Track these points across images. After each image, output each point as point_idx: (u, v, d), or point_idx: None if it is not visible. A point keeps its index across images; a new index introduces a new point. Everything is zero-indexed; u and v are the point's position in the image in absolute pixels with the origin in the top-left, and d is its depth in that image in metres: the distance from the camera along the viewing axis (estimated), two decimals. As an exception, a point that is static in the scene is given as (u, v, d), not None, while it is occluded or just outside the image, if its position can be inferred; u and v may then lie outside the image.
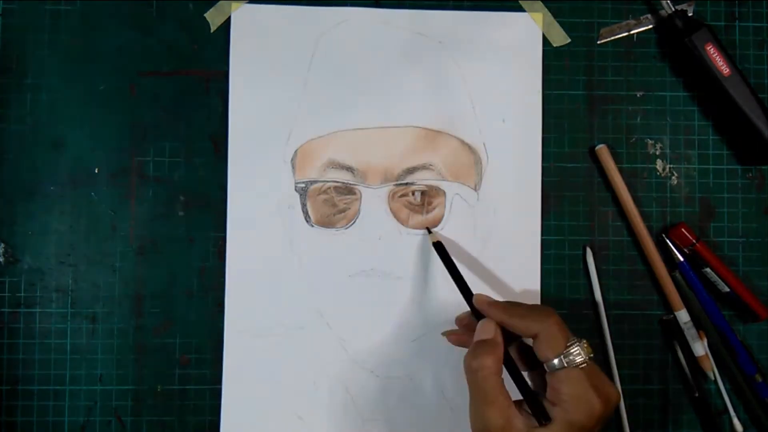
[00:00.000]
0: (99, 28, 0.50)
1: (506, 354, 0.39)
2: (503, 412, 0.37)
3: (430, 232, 0.49)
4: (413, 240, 0.49)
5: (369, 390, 0.49)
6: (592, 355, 0.38)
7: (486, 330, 0.40)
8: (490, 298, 0.42)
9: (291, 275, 0.49)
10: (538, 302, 0.50)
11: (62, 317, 0.49)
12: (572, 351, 0.37)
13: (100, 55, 0.50)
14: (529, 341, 0.39)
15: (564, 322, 0.39)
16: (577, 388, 0.37)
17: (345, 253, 0.49)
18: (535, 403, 0.38)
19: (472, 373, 0.38)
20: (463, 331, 0.45)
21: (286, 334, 0.49)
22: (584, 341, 0.38)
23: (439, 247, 0.46)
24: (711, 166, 0.51)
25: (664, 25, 0.51)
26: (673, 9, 0.50)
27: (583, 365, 0.37)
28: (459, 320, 0.45)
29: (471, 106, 0.50)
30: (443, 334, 0.46)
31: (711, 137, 0.51)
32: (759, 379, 0.49)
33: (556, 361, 0.37)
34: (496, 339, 0.40)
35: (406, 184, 0.49)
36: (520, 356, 0.41)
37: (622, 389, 0.50)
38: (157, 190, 0.49)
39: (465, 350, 0.40)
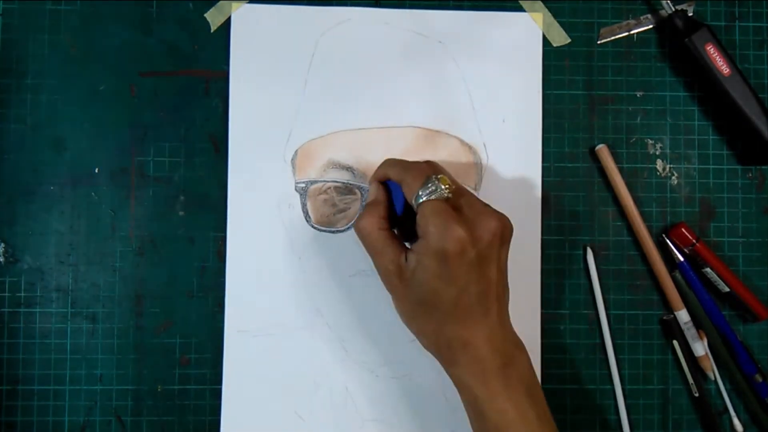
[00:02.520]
0: (99, 28, 0.50)
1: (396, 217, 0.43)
2: (394, 256, 0.40)
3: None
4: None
5: (369, 390, 0.49)
6: (451, 186, 0.40)
7: (371, 192, 0.44)
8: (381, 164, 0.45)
9: (291, 275, 0.49)
10: (538, 303, 0.50)
11: (62, 317, 0.49)
12: (430, 185, 0.40)
13: (100, 55, 0.50)
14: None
15: (437, 165, 0.43)
16: (436, 219, 0.38)
17: (345, 253, 0.49)
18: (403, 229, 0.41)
19: (359, 234, 0.42)
20: None
21: (286, 334, 0.49)
22: (442, 176, 0.40)
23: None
24: (711, 166, 0.51)
25: (664, 25, 0.51)
26: (673, 9, 0.50)
27: (443, 197, 0.39)
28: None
29: (471, 106, 0.50)
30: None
31: (711, 137, 0.51)
32: (759, 379, 0.49)
33: (420, 196, 0.39)
34: (377, 198, 0.43)
35: (406, 184, 0.49)
36: None
37: (622, 389, 0.50)
38: (157, 190, 0.49)
39: None
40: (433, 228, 0.38)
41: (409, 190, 0.40)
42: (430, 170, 0.41)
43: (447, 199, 0.39)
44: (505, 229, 0.40)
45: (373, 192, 0.44)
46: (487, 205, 0.41)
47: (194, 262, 0.49)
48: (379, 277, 0.42)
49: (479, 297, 0.39)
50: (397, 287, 0.41)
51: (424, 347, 0.43)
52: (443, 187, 0.39)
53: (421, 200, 0.39)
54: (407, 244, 0.42)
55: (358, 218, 0.43)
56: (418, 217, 0.40)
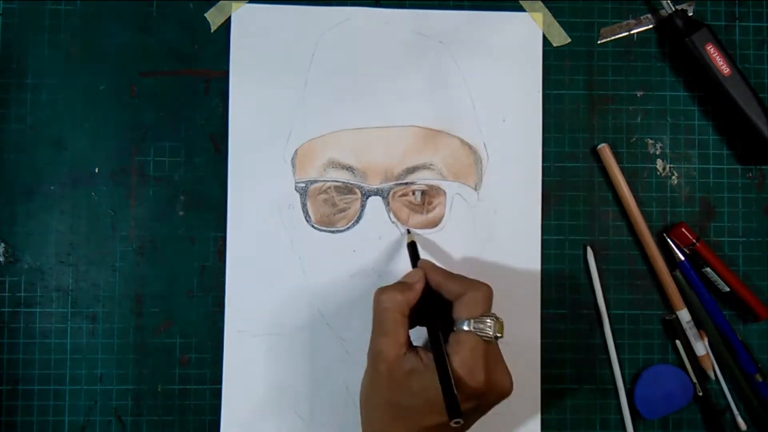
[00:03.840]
0: (99, 28, 0.50)
1: (435, 332, 0.39)
2: (396, 346, 0.39)
3: (408, 231, 0.49)
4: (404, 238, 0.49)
5: (369, 390, 0.49)
6: (500, 335, 0.39)
7: (412, 275, 0.42)
8: (434, 264, 0.43)
9: (291, 275, 0.49)
10: (538, 302, 0.50)
11: (62, 317, 0.49)
12: (485, 320, 0.38)
13: (100, 55, 0.50)
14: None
15: (492, 299, 0.40)
16: (470, 355, 0.37)
17: (345, 253, 0.49)
18: (450, 396, 0.36)
19: (377, 304, 0.40)
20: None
21: (286, 334, 0.49)
22: (501, 320, 0.39)
23: (412, 248, 0.47)
24: (711, 166, 0.51)
25: (664, 25, 0.51)
26: (673, 9, 0.50)
27: (487, 338, 0.38)
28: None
29: (471, 106, 0.50)
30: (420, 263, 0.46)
31: (711, 137, 0.51)
32: (759, 378, 0.49)
33: (465, 323, 0.38)
34: (415, 286, 0.41)
35: (407, 183, 0.49)
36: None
37: (624, 389, 0.50)
38: (157, 190, 0.49)
39: None
40: (459, 363, 0.37)
41: (462, 308, 0.39)
42: (489, 303, 0.39)
43: (487, 342, 0.38)
44: (507, 394, 0.40)
45: (414, 277, 0.42)
46: (504, 363, 0.40)
47: (194, 262, 0.49)
48: (370, 345, 0.40)
49: None
50: (381, 375, 0.39)
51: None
52: (493, 330, 0.38)
53: (464, 327, 0.38)
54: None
55: (385, 288, 0.41)
56: (452, 339, 0.38)
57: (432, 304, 0.41)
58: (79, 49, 0.49)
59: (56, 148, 0.49)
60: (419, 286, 0.41)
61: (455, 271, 0.47)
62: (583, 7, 0.51)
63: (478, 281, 0.40)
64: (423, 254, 0.49)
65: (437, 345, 0.38)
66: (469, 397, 0.37)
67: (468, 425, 0.39)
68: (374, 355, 0.40)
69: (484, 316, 0.38)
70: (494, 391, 0.38)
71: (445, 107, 0.50)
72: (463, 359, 0.37)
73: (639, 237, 0.50)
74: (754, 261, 0.51)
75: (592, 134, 0.51)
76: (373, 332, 0.40)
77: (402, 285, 0.41)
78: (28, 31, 0.49)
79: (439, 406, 0.36)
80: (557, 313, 0.50)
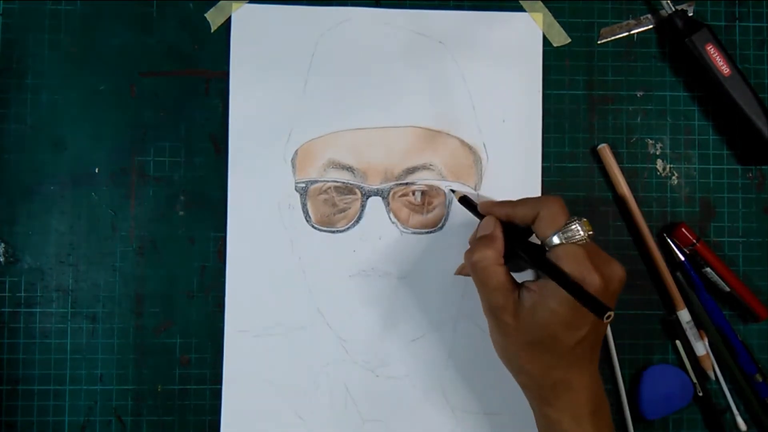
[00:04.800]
0: (99, 28, 0.50)
1: (533, 252, 0.40)
2: (508, 293, 0.39)
3: (453, 192, 0.49)
4: (413, 240, 0.49)
5: (369, 390, 0.49)
6: (591, 232, 0.39)
7: (485, 226, 0.42)
8: (492, 200, 0.44)
9: (291, 275, 0.49)
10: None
11: (62, 317, 0.49)
12: (571, 227, 0.39)
13: (100, 55, 0.50)
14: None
15: (565, 207, 0.40)
16: (573, 264, 0.38)
17: (345, 253, 0.49)
18: (586, 297, 0.37)
19: (472, 265, 0.41)
20: None
21: (286, 334, 0.49)
22: (584, 219, 0.39)
23: (465, 200, 0.47)
24: (711, 166, 0.51)
25: (664, 25, 0.51)
26: (673, 9, 0.50)
27: (581, 242, 0.39)
28: (470, 238, 0.46)
29: (471, 106, 0.50)
30: (456, 273, 0.47)
31: (711, 137, 0.51)
32: (759, 378, 0.49)
33: (555, 237, 0.39)
34: (495, 233, 0.41)
35: (407, 184, 0.49)
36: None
37: (624, 389, 0.50)
38: (157, 190, 0.49)
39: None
40: (569, 275, 0.38)
41: (545, 226, 0.39)
42: (565, 210, 0.40)
43: (583, 244, 0.39)
44: (624, 278, 0.40)
45: (490, 225, 0.42)
46: (605, 253, 0.40)
47: (194, 262, 0.49)
48: (480, 302, 0.41)
49: (592, 345, 0.40)
50: (508, 325, 0.40)
51: (521, 384, 0.42)
52: (582, 231, 0.39)
53: (556, 241, 0.39)
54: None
55: (473, 248, 0.41)
56: (550, 257, 0.39)
57: (514, 236, 0.42)
58: (79, 49, 0.50)
59: (56, 148, 0.49)
60: (499, 232, 0.42)
61: (456, 271, 0.47)
62: (583, 7, 0.51)
63: (545, 197, 0.41)
64: (423, 254, 0.49)
65: (544, 261, 0.39)
66: (600, 294, 0.38)
67: (604, 325, 0.40)
68: (493, 311, 0.40)
69: (567, 223, 0.39)
70: (612, 282, 0.39)
71: (445, 107, 0.50)
72: (570, 271, 0.38)
73: (639, 237, 0.50)
74: (754, 261, 0.51)
75: (592, 134, 0.51)
76: (480, 293, 0.41)
77: (485, 239, 0.41)
78: (28, 31, 0.49)
79: (577, 320, 0.38)
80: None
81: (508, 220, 0.42)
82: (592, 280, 0.37)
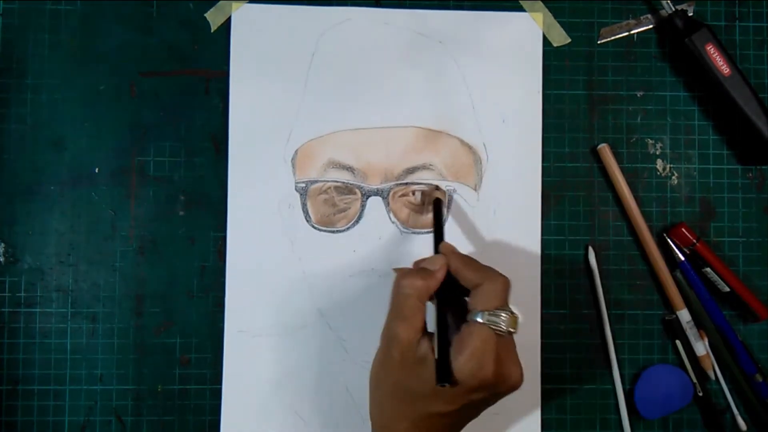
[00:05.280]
0: (99, 28, 0.50)
1: (441, 307, 0.39)
2: (412, 331, 0.38)
3: (438, 188, 0.48)
4: (413, 240, 0.49)
5: (369, 390, 0.49)
6: (513, 330, 0.38)
7: (432, 262, 0.41)
8: (456, 249, 0.42)
9: (291, 275, 0.49)
10: (538, 302, 0.50)
11: (62, 317, 0.49)
12: (500, 314, 0.38)
13: (100, 55, 0.50)
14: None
15: (509, 292, 0.39)
16: (480, 346, 0.37)
17: (345, 253, 0.49)
18: (442, 361, 0.37)
19: (397, 288, 0.39)
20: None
21: (286, 334, 0.49)
22: (515, 315, 0.38)
23: (437, 206, 0.46)
24: (711, 166, 0.51)
25: (664, 25, 0.51)
26: (673, 9, 0.50)
27: (500, 332, 0.37)
28: (415, 263, 0.45)
29: (471, 106, 0.50)
30: (394, 269, 0.45)
31: (711, 137, 0.51)
32: (759, 378, 0.49)
33: (479, 316, 0.37)
34: (436, 273, 0.40)
35: (407, 183, 0.49)
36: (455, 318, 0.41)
37: (623, 389, 0.50)
38: (157, 190, 0.49)
39: None
40: (469, 354, 0.37)
41: (477, 299, 0.38)
42: (505, 295, 0.39)
43: (499, 335, 0.38)
44: (518, 387, 0.39)
45: (437, 263, 0.40)
46: (517, 356, 0.40)
47: (194, 262, 0.49)
48: (385, 325, 0.40)
49: (450, 428, 0.39)
50: (393, 359, 0.38)
51: (371, 417, 0.41)
52: (508, 326, 0.38)
53: (478, 319, 0.37)
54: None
55: (406, 273, 0.40)
56: (464, 329, 0.38)
57: (449, 289, 0.41)
58: (79, 49, 0.49)
59: (56, 148, 0.49)
60: (440, 275, 0.40)
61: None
62: (583, 7, 0.51)
63: (496, 272, 0.40)
64: (423, 254, 0.49)
65: (441, 320, 0.38)
66: (477, 389, 0.37)
67: (475, 415, 0.40)
68: (388, 338, 0.39)
69: (500, 309, 0.38)
70: (504, 383, 0.38)
71: (445, 107, 0.50)
72: (473, 351, 0.37)
73: (639, 237, 0.50)
74: (754, 261, 0.51)
75: (592, 134, 0.51)
76: (389, 314, 0.40)
77: (423, 271, 0.40)
78: (28, 31, 0.49)
79: (452, 395, 0.37)
80: (557, 313, 0.50)
81: (454, 274, 0.41)
82: (486, 369, 0.36)
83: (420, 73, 0.50)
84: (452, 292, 0.40)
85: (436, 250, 0.43)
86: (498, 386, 0.38)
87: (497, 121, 0.50)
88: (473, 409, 0.39)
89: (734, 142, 0.51)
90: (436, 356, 0.37)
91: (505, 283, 0.39)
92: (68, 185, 0.49)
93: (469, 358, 0.37)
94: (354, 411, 0.49)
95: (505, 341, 0.38)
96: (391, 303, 0.40)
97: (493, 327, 0.37)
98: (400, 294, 0.39)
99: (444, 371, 0.36)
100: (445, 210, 0.46)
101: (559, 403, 0.50)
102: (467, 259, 0.41)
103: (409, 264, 0.49)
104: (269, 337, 0.49)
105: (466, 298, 0.40)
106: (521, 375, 0.39)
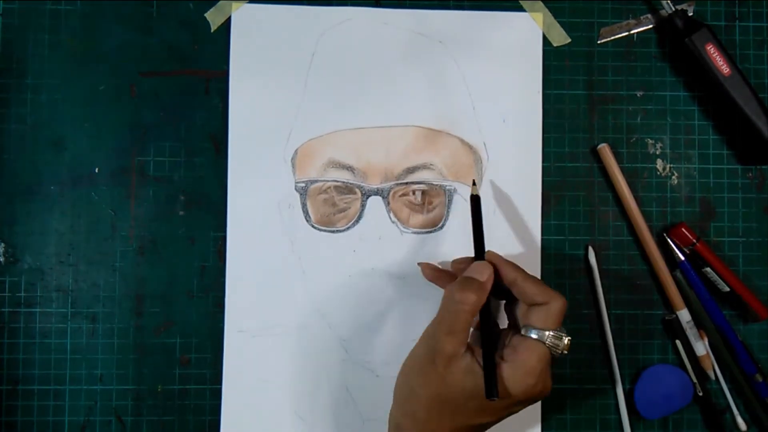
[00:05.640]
0: (99, 28, 0.50)
1: (487, 320, 0.40)
2: (457, 346, 0.39)
3: (474, 183, 0.46)
4: (414, 240, 0.49)
5: (369, 390, 0.49)
6: (566, 352, 0.39)
7: (481, 271, 0.41)
8: (503, 258, 0.42)
9: (291, 275, 0.49)
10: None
11: (62, 317, 0.49)
12: (562, 337, 0.39)
13: (100, 55, 0.50)
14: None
15: (564, 314, 0.40)
16: (537, 366, 0.38)
17: (345, 253, 0.49)
18: (490, 375, 0.37)
19: (452, 302, 0.39)
20: (447, 272, 0.46)
21: (286, 334, 0.49)
22: (570, 338, 0.39)
23: (475, 202, 0.44)
24: (711, 166, 0.51)
25: (664, 25, 0.51)
26: (673, 9, 0.50)
27: (555, 352, 0.39)
28: (456, 262, 0.45)
29: (471, 106, 0.50)
30: (419, 264, 0.45)
31: (711, 137, 0.51)
32: (759, 378, 0.49)
33: (539, 333, 0.38)
34: (486, 284, 0.40)
35: (407, 183, 0.49)
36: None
37: (623, 389, 0.50)
38: (157, 190, 0.49)
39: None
40: (527, 372, 0.37)
41: (544, 318, 0.39)
42: (563, 317, 0.39)
43: (550, 353, 0.39)
44: (547, 395, 0.41)
45: (485, 273, 0.40)
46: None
47: (194, 262, 0.49)
48: (431, 327, 0.41)
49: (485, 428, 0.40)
50: (437, 371, 0.39)
51: (399, 423, 0.41)
52: (562, 347, 0.39)
53: (535, 336, 0.38)
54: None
55: (460, 286, 0.40)
56: (522, 345, 0.38)
57: (495, 294, 0.41)
58: (79, 49, 0.49)
59: (56, 148, 0.49)
60: (489, 285, 0.40)
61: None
62: (583, 7, 0.51)
63: (557, 293, 0.40)
64: (423, 254, 0.49)
65: (487, 333, 0.39)
66: (523, 402, 0.38)
67: (503, 418, 0.41)
68: (435, 350, 0.39)
69: (560, 330, 0.39)
70: (540, 395, 0.39)
71: (445, 107, 0.50)
72: (531, 369, 0.38)
73: (639, 237, 0.50)
74: (754, 261, 0.51)
75: (592, 134, 0.51)
76: (438, 326, 0.40)
77: (475, 284, 0.40)
78: (28, 31, 0.49)
79: (490, 408, 0.38)
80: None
81: (508, 285, 0.41)
82: (538, 388, 0.38)
83: (420, 73, 0.50)
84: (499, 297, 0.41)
85: (478, 255, 0.43)
86: (535, 398, 0.39)
87: (497, 121, 0.50)
88: (511, 411, 0.40)
89: (734, 142, 0.51)
90: (483, 369, 0.38)
91: (565, 305, 0.40)
92: (68, 185, 0.49)
93: (525, 376, 0.37)
94: (354, 411, 0.49)
95: (552, 359, 0.39)
96: (442, 315, 0.40)
97: (553, 349, 0.38)
98: (453, 309, 0.39)
99: (493, 385, 0.37)
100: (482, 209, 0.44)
101: (559, 403, 0.50)
102: (523, 272, 0.41)
103: (408, 265, 0.49)
104: (269, 337, 0.49)
105: (509, 306, 0.41)
106: (551, 385, 0.40)
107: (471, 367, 0.38)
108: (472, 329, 0.42)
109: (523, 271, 0.41)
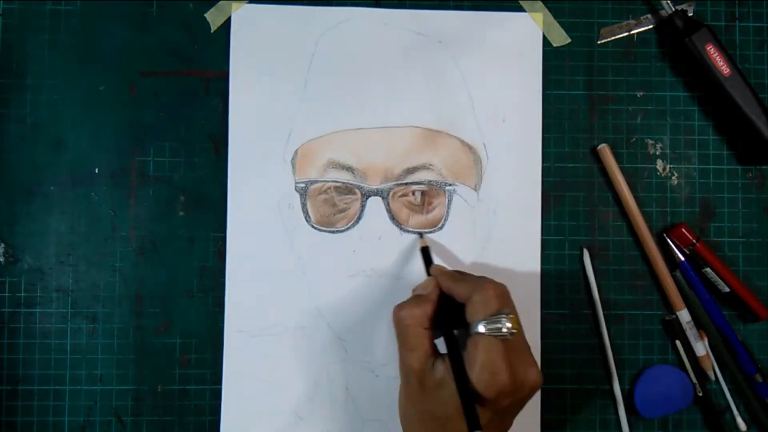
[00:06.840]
0: (99, 28, 0.50)
1: (450, 332, 0.40)
2: (423, 358, 0.39)
3: (421, 236, 0.49)
4: (413, 240, 0.49)
5: (369, 390, 0.49)
6: (515, 329, 0.38)
7: (424, 287, 0.42)
8: (445, 268, 0.43)
9: (291, 275, 0.49)
10: (538, 302, 0.50)
11: (62, 317, 0.49)
12: (499, 319, 0.37)
13: (100, 55, 0.50)
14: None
15: (507, 295, 0.39)
16: (488, 356, 0.37)
17: (345, 253, 0.49)
18: (468, 407, 0.36)
19: (397, 321, 0.40)
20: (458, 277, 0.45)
21: (286, 334, 0.49)
22: (512, 316, 0.38)
23: (425, 252, 0.46)
24: (711, 166, 0.51)
25: (664, 25, 0.51)
26: (673, 9, 0.50)
27: (504, 336, 0.37)
28: (412, 291, 0.45)
29: (471, 106, 0.50)
30: (433, 267, 0.45)
31: (711, 137, 0.51)
32: (759, 379, 0.49)
33: (480, 326, 0.37)
34: (429, 296, 0.41)
35: (407, 184, 0.49)
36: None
37: (622, 390, 0.50)
38: (157, 190, 0.49)
39: None
40: (479, 367, 0.36)
41: (473, 311, 0.38)
42: (501, 300, 0.39)
43: (504, 340, 0.37)
44: (538, 386, 0.39)
45: (428, 287, 0.41)
46: (532, 355, 0.40)
47: (194, 262, 0.49)
48: (396, 340, 0.40)
49: None
50: (413, 389, 0.39)
51: None
52: (509, 326, 0.37)
53: (479, 329, 0.37)
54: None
55: (402, 305, 0.40)
56: (469, 344, 0.38)
57: (449, 309, 0.41)
58: (79, 49, 0.49)
59: (56, 148, 0.49)
60: (434, 296, 0.41)
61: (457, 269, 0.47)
62: (583, 7, 0.51)
63: (487, 280, 0.40)
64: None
65: (454, 356, 0.38)
66: (496, 399, 0.37)
67: (507, 426, 0.40)
68: (404, 370, 0.40)
69: (497, 314, 0.38)
70: (523, 386, 0.38)
71: (445, 107, 0.50)
72: (483, 363, 0.37)
73: (639, 237, 0.50)
74: (754, 261, 0.51)
75: (592, 134, 0.51)
76: (399, 349, 0.40)
77: (417, 298, 0.41)
78: (28, 31, 0.49)
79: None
80: (557, 314, 0.50)
81: (448, 293, 0.41)
82: (500, 378, 0.36)
83: (420, 73, 0.50)
84: (455, 314, 0.41)
85: (429, 275, 0.44)
86: (518, 391, 0.38)
87: (497, 121, 0.50)
88: (502, 421, 0.39)
89: (734, 142, 0.51)
90: (461, 401, 0.37)
91: (496, 288, 0.39)
92: (68, 185, 0.49)
93: (480, 372, 0.36)
94: (354, 411, 0.49)
95: (513, 344, 0.38)
96: (397, 337, 0.40)
97: (495, 333, 0.37)
98: (401, 327, 0.40)
99: (472, 418, 0.36)
100: (432, 255, 0.46)
101: (559, 403, 0.50)
102: (456, 275, 0.42)
103: (408, 265, 0.49)
104: (269, 337, 0.49)
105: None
106: (538, 374, 0.39)
107: (444, 377, 0.38)
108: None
109: (455, 274, 0.42)
